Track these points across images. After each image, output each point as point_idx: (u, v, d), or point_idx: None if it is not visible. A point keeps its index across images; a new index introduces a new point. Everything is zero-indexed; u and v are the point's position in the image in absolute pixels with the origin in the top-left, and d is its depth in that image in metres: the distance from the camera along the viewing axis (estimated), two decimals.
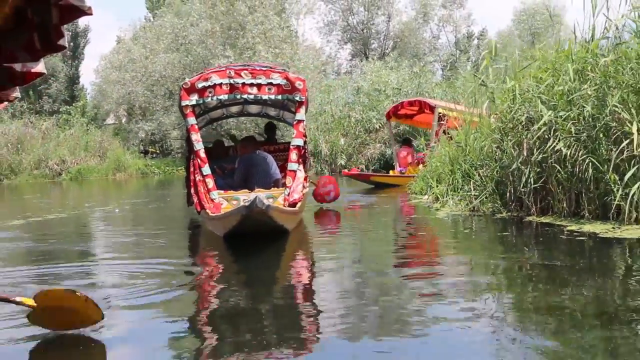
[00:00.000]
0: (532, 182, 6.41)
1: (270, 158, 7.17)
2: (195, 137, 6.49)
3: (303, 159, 6.82)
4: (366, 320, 3.03)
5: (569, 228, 5.59)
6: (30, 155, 28.11)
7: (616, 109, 5.58)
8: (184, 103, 6.45)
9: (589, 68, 6.05)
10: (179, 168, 26.28)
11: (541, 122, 6.09)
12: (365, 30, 45.35)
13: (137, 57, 33.88)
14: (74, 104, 37.86)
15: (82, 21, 48.16)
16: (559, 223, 5.93)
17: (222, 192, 6.35)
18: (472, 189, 7.60)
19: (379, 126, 20.75)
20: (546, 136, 6.20)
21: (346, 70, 43.86)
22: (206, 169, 6.31)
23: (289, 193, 6.21)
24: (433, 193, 8.79)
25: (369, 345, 2.64)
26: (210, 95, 6.50)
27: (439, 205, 8.20)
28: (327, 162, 22.27)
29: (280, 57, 29.77)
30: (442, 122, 11.81)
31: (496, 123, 7.48)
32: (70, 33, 46.11)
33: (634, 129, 5.24)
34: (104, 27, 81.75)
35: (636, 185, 5.25)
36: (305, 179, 6.84)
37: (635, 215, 5.39)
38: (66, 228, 8.07)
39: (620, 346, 2.46)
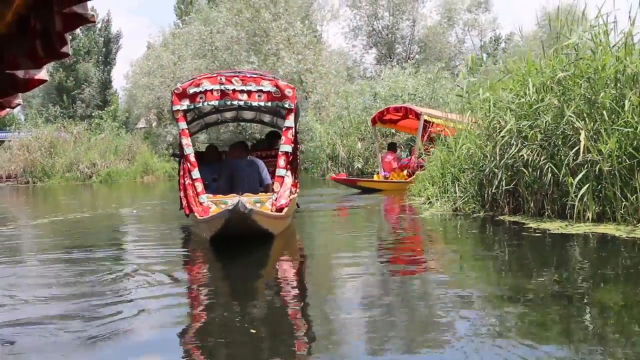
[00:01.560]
0: (504, 185, 7.01)
1: (260, 163, 7.36)
2: (186, 141, 6.68)
3: (292, 165, 7.01)
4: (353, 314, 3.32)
5: (529, 226, 6.17)
6: (62, 158, 29.22)
7: (571, 119, 6.16)
8: (175, 108, 6.62)
9: (548, 81, 6.62)
10: None
11: (505, 130, 6.69)
12: (390, 35, 45.88)
13: (165, 63, 34.97)
14: (105, 109, 38.84)
15: (115, 27, 49.56)
16: (524, 221, 6.51)
17: (210, 195, 6.47)
18: (458, 190, 8.19)
19: (395, 131, 21.24)
20: (513, 142, 6.80)
21: (371, 75, 44.36)
22: (195, 173, 6.42)
23: (276, 198, 6.31)
24: (425, 195, 9.40)
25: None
26: (201, 100, 6.63)
27: (427, 205, 8.80)
28: (345, 166, 22.92)
29: (302, 63, 30.59)
30: (429, 128, 12.41)
31: (476, 130, 8.07)
32: (102, 39, 47.53)
33: (582, 136, 5.82)
34: (135, 33, 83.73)
35: (585, 187, 5.84)
36: (295, 184, 7.13)
37: (588, 214, 5.96)
38: (84, 226, 8.80)
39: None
